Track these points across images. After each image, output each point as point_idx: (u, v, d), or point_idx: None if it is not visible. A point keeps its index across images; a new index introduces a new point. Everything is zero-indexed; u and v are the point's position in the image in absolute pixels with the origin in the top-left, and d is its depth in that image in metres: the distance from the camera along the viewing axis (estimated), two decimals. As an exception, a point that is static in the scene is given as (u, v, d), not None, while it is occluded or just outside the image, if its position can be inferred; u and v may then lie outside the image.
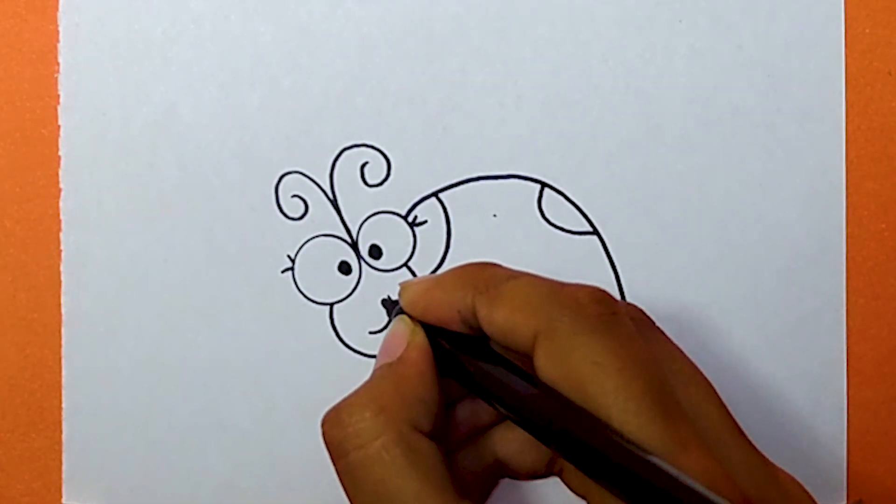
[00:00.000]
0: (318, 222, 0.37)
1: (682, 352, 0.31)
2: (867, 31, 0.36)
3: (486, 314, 0.29)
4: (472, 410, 0.33)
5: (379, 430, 0.28)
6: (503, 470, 0.33)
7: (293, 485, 0.37)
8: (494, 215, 0.37)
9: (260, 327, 0.37)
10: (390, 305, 0.37)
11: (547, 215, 0.37)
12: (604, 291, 0.29)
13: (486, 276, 0.30)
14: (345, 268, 0.37)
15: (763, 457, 0.29)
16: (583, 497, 0.30)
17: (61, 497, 0.38)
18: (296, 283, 0.37)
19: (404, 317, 0.32)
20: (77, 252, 0.37)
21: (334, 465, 0.29)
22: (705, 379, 0.30)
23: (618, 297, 0.37)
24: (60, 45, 0.37)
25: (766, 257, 0.37)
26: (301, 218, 0.37)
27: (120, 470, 0.38)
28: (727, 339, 0.37)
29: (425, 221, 0.37)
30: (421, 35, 0.37)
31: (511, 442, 0.32)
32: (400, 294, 0.33)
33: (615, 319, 0.28)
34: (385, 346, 0.32)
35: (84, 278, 0.37)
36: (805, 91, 0.36)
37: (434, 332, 0.31)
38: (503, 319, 0.29)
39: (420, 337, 0.31)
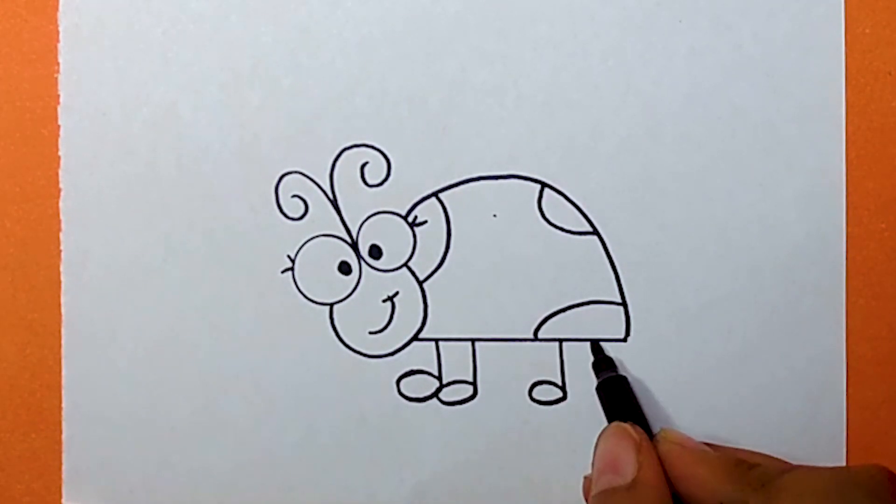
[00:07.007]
0: (318, 222, 0.37)
1: None
2: (867, 31, 0.36)
3: None
4: None
5: None
6: None
7: (293, 485, 0.37)
8: (494, 215, 0.37)
9: (260, 327, 0.37)
10: (597, 366, 0.36)
11: (547, 215, 0.37)
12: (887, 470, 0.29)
13: (757, 473, 0.30)
14: (345, 268, 0.37)
15: None
16: None
17: (61, 497, 0.38)
18: (296, 283, 0.37)
19: (626, 426, 0.32)
20: (77, 252, 0.37)
21: None
22: None
23: (617, 297, 0.37)
24: (60, 45, 0.37)
25: (766, 257, 0.37)
26: (301, 218, 0.37)
27: (120, 470, 0.38)
28: (727, 339, 0.37)
29: (425, 221, 0.37)
30: (421, 35, 0.37)
31: None
32: (660, 439, 0.32)
33: None
34: (608, 459, 0.31)
35: (84, 278, 0.37)
36: (805, 91, 0.36)
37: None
38: None
39: (653, 458, 0.31)
